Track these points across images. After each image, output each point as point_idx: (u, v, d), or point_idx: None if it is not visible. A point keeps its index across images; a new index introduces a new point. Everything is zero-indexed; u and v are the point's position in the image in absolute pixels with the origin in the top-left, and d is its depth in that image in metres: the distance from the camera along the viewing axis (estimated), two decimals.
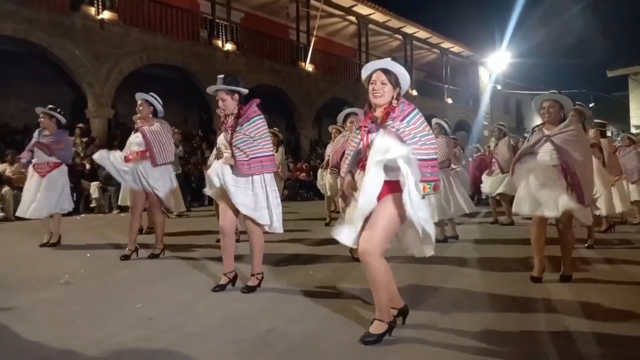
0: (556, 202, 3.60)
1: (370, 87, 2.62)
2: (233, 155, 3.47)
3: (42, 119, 5.67)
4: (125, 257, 4.75)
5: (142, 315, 3.05)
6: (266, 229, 3.61)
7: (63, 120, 5.84)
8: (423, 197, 2.54)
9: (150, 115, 4.82)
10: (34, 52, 11.16)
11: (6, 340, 2.67)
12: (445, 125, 6.12)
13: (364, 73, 2.69)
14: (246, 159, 3.44)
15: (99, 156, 4.88)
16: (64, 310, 3.20)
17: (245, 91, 3.57)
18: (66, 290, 3.71)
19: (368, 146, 2.58)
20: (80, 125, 11.41)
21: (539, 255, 3.85)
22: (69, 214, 9.21)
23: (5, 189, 8.68)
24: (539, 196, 3.70)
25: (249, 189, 3.50)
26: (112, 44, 12.08)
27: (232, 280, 3.67)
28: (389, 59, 2.65)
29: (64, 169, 5.73)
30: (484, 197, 9.60)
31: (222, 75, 3.53)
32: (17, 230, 6.46)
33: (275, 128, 7.51)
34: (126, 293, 3.63)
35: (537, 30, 26.29)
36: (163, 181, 4.86)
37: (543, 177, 3.70)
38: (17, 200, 6.46)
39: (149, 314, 3.05)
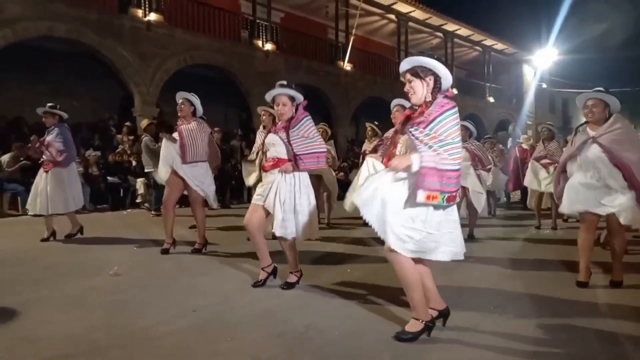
0: (611, 201, 3.45)
1: (405, 89, 2.63)
2: (292, 151, 3.51)
3: (45, 118, 5.75)
4: (165, 251, 4.90)
5: (186, 306, 3.15)
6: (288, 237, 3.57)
7: (65, 115, 5.87)
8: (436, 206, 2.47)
9: (191, 114, 4.94)
10: (84, 52, 11.67)
11: (59, 325, 2.82)
12: (472, 127, 6.11)
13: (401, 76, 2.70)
14: (303, 153, 3.51)
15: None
16: (111, 298, 3.35)
17: (301, 98, 3.63)
18: (113, 280, 3.88)
19: (394, 144, 2.64)
20: (128, 123, 11.86)
21: (585, 260, 3.70)
22: (116, 208, 9.66)
23: None
24: (591, 195, 3.53)
25: (291, 191, 3.52)
26: (157, 45, 12.47)
27: (272, 273, 3.73)
28: (416, 57, 2.60)
29: (71, 167, 5.76)
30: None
31: (284, 82, 3.62)
32: (67, 222, 6.78)
33: (325, 123, 7.72)
34: (170, 284, 3.76)
35: (586, 25, 25.10)
36: (209, 178, 5.04)
37: (597, 175, 3.52)
38: None
39: (192, 306, 3.14)
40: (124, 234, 6.28)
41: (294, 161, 3.51)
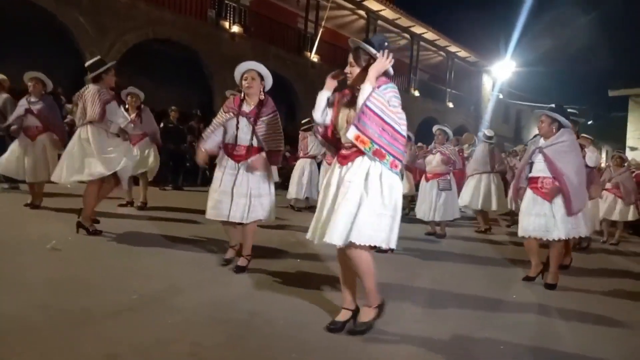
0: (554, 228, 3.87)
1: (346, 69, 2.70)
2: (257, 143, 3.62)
3: (33, 84, 5.70)
4: (95, 232, 4.57)
5: (128, 287, 3.04)
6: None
7: (51, 85, 5.90)
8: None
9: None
10: (38, 16, 11.00)
11: None
12: (449, 131, 6.31)
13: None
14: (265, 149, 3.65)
15: None
16: (49, 276, 3.18)
17: (271, 81, 3.74)
18: (52, 256, 3.69)
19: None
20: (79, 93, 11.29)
21: (535, 258, 4.07)
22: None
23: None
24: (540, 222, 3.91)
25: (243, 174, 3.58)
26: (118, 15, 11.93)
27: (239, 252, 3.81)
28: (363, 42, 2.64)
29: (52, 135, 5.77)
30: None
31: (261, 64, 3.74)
32: (4, 194, 6.40)
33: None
34: (113, 265, 3.62)
35: (541, 40, 26.31)
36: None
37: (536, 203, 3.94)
38: None
39: (134, 287, 3.04)
40: (63, 206, 5.96)
41: (267, 154, 3.65)
